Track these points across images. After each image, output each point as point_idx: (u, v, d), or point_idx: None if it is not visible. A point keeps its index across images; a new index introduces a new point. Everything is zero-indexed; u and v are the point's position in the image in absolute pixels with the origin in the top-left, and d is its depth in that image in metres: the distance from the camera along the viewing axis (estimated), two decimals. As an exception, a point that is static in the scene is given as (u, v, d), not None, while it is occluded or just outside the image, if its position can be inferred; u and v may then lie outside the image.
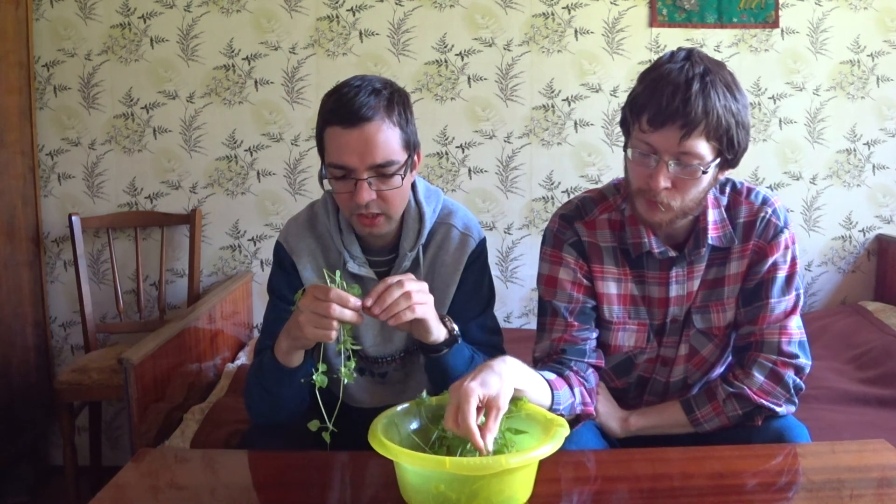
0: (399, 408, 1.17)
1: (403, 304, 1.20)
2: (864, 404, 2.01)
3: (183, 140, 2.79)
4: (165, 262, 2.77)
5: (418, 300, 1.21)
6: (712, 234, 1.36)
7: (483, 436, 1.02)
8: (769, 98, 2.81)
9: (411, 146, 1.37)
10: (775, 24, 2.78)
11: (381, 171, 1.32)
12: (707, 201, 1.35)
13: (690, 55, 1.26)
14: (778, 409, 1.34)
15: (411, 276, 1.25)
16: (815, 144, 2.84)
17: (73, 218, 2.62)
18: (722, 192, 1.39)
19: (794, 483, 1.15)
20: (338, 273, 1.21)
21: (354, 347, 1.23)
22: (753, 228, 1.37)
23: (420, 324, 1.27)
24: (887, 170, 2.86)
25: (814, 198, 2.86)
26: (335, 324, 1.18)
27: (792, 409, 1.36)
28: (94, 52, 2.75)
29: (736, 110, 1.24)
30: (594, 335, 1.41)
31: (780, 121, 2.83)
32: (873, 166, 2.86)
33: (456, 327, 1.34)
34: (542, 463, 1.05)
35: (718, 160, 1.26)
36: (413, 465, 1.01)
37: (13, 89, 2.60)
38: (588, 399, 1.33)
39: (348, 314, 1.18)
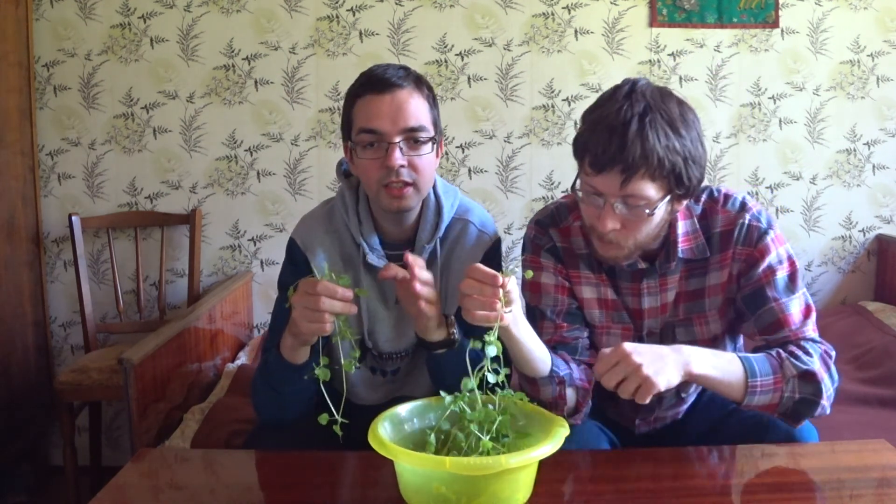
0: (400, 407, 1.17)
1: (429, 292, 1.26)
2: (864, 404, 2.01)
3: (183, 140, 2.79)
4: (165, 262, 2.77)
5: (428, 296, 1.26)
6: (682, 247, 1.33)
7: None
8: (769, 98, 2.81)
9: (438, 127, 1.41)
10: (775, 24, 2.78)
11: (413, 136, 1.35)
12: (676, 214, 1.32)
13: (633, 91, 1.21)
14: (826, 402, 1.24)
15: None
16: (815, 144, 2.84)
17: (73, 218, 2.62)
18: (697, 200, 1.36)
19: (795, 483, 1.15)
20: (325, 265, 1.22)
21: (354, 337, 1.23)
22: (731, 237, 1.33)
23: (422, 315, 1.29)
24: (887, 170, 2.86)
25: (814, 198, 2.86)
26: (328, 316, 1.19)
27: (828, 410, 1.25)
28: (94, 52, 2.75)
29: (681, 148, 1.19)
30: (584, 334, 1.40)
31: (780, 121, 2.83)
32: (873, 166, 2.86)
33: (455, 331, 1.34)
34: (542, 463, 1.05)
35: (668, 197, 1.23)
36: (412, 465, 1.01)
37: (13, 89, 2.60)
38: (584, 377, 1.32)
39: (338, 305, 1.19)
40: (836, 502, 1.08)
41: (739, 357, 1.23)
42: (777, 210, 2.86)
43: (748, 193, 2.83)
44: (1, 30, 2.54)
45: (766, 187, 2.85)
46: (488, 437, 1.06)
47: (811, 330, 1.31)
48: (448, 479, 1.00)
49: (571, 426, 1.12)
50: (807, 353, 1.25)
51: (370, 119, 1.34)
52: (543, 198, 2.82)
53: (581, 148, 1.24)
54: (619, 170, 1.18)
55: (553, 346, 1.37)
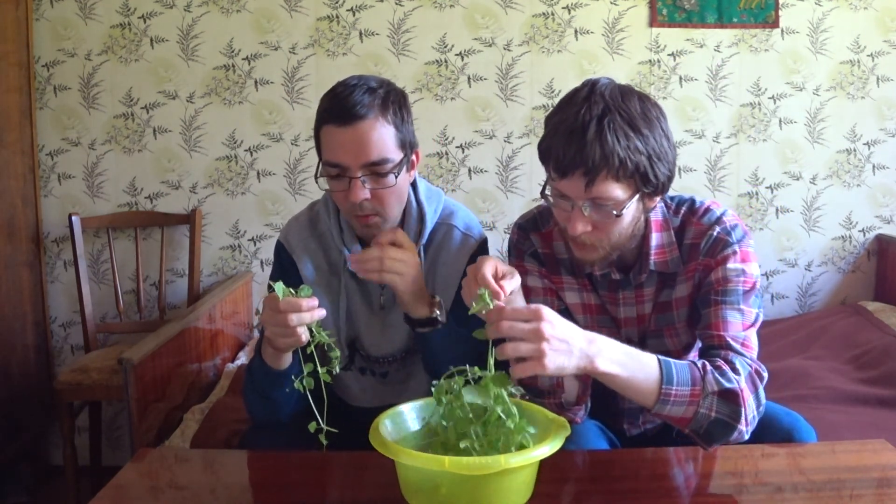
0: (402, 407, 1.17)
1: (375, 265, 1.30)
2: (864, 404, 2.01)
3: (183, 140, 2.79)
4: (165, 262, 2.77)
5: (390, 268, 1.30)
6: (655, 260, 1.32)
7: (500, 286, 1.13)
8: (769, 98, 2.81)
9: (407, 146, 1.37)
10: (775, 24, 2.78)
11: (375, 170, 1.33)
12: (651, 225, 1.31)
13: (591, 94, 1.19)
14: (744, 427, 1.16)
15: (403, 247, 1.33)
16: (815, 144, 2.84)
17: (73, 218, 2.62)
18: (677, 212, 1.34)
19: (794, 483, 1.15)
20: (278, 284, 1.20)
21: (329, 340, 1.23)
22: (698, 249, 1.31)
23: (397, 292, 1.34)
24: (887, 170, 2.85)
25: (814, 198, 2.86)
26: (300, 329, 1.19)
27: (746, 435, 1.17)
28: (94, 52, 2.75)
29: (643, 147, 1.17)
30: None
31: (780, 121, 2.82)
32: (873, 166, 2.85)
33: (439, 313, 1.35)
34: (542, 463, 1.05)
35: (637, 196, 1.22)
36: (413, 464, 1.01)
37: (13, 89, 2.60)
38: (584, 376, 1.31)
39: (306, 317, 1.19)
40: (836, 502, 1.08)
41: (660, 361, 1.15)
42: (777, 210, 2.86)
43: (748, 194, 2.84)
44: (1, 30, 2.53)
45: (766, 187, 2.85)
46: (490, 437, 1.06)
47: (745, 344, 1.24)
48: (449, 479, 1.00)
49: (572, 426, 1.11)
50: (734, 370, 1.18)
51: (334, 152, 1.32)
52: (543, 198, 2.82)
53: (544, 153, 1.23)
54: (582, 173, 1.17)
55: None
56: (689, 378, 1.15)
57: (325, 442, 1.16)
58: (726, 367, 1.18)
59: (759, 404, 1.19)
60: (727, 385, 1.15)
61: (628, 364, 1.13)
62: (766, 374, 1.22)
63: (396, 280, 1.30)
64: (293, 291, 1.20)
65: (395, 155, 1.34)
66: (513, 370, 1.06)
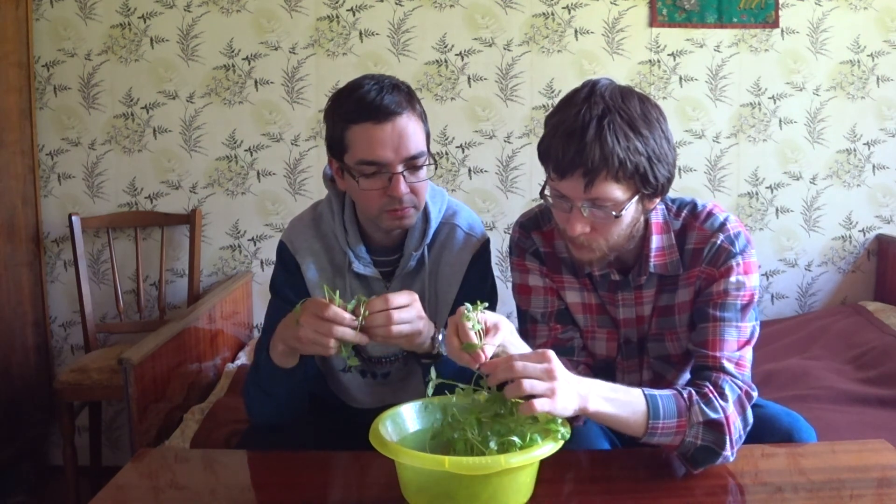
0: (402, 407, 1.17)
1: (381, 320, 1.20)
2: (864, 404, 2.01)
3: (183, 140, 2.79)
4: (165, 262, 2.77)
5: (398, 333, 1.22)
6: (654, 262, 1.31)
7: (482, 349, 1.08)
8: (769, 98, 2.81)
9: (429, 139, 1.40)
10: (775, 24, 2.78)
11: (413, 163, 1.34)
12: (651, 227, 1.31)
13: (591, 94, 1.19)
14: (729, 451, 1.17)
15: (406, 296, 1.24)
16: (815, 144, 2.84)
17: (73, 218, 2.62)
18: (678, 215, 1.34)
19: (794, 483, 1.15)
20: (337, 293, 1.20)
21: (356, 362, 1.24)
22: (701, 255, 1.30)
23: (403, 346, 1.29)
24: (887, 170, 2.86)
25: (814, 198, 2.86)
26: (333, 343, 1.18)
27: (731, 458, 1.18)
28: (94, 52, 2.75)
29: (643, 148, 1.17)
30: (577, 334, 1.40)
31: (780, 121, 2.82)
32: (873, 166, 2.86)
33: (439, 349, 1.31)
34: (542, 463, 1.05)
35: (636, 197, 1.22)
36: (413, 465, 1.01)
37: (13, 89, 2.60)
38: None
39: (349, 334, 1.18)
40: (836, 502, 1.09)
41: (646, 395, 1.16)
42: (777, 210, 2.86)
43: (748, 194, 2.84)
44: (1, 30, 2.54)
45: (766, 187, 2.85)
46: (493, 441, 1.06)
47: (738, 365, 1.24)
48: (448, 479, 1.00)
49: (573, 426, 1.12)
50: (722, 395, 1.19)
51: (372, 150, 1.32)
52: (543, 198, 2.82)
53: (543, 153, 1.23)
54: (581, 173, 1.17)
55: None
56: (675, 410, 1.17)
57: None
58: (713, 395, 1.19)
59: (745, 425, 1.20)
60: (712, 416, 1.17)
61: (616, 400, 1.15)
62: (755, 394, 1.23)
63: (402, 342, 1.26)
64: (343, 302, 1.19)
65: (426, 147, 1.37)
66: (521, 407, 1.05)
